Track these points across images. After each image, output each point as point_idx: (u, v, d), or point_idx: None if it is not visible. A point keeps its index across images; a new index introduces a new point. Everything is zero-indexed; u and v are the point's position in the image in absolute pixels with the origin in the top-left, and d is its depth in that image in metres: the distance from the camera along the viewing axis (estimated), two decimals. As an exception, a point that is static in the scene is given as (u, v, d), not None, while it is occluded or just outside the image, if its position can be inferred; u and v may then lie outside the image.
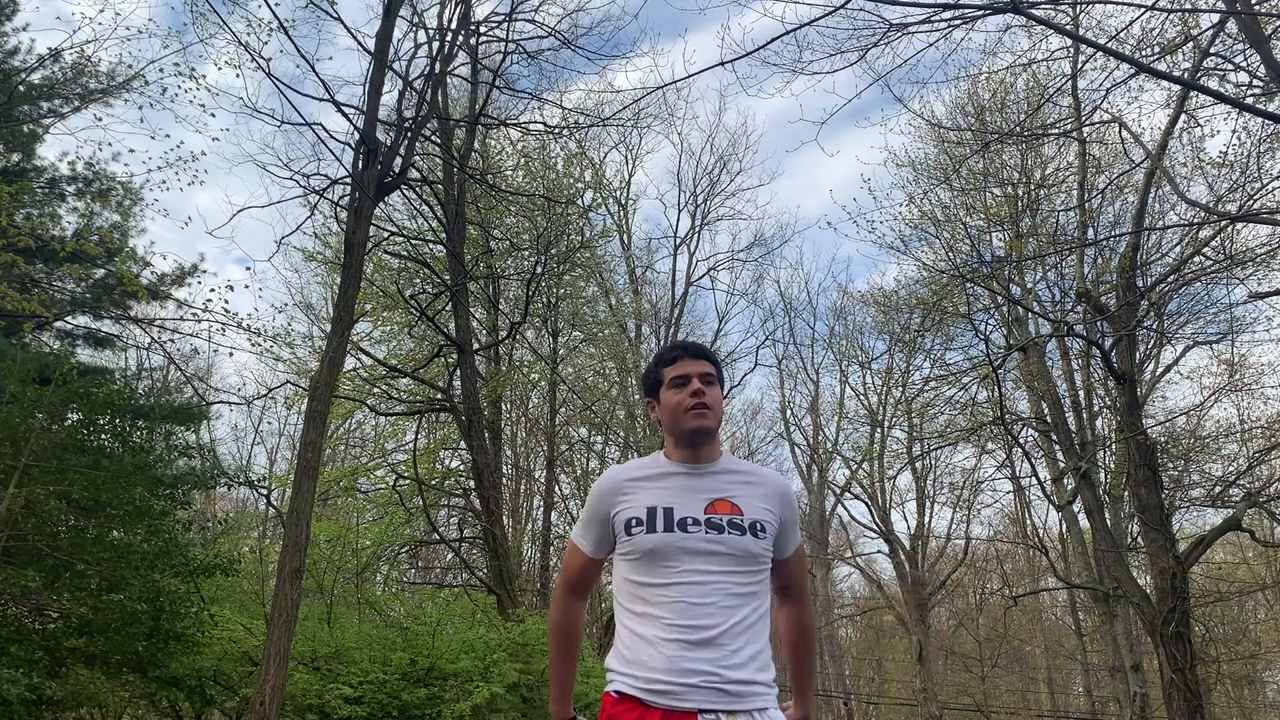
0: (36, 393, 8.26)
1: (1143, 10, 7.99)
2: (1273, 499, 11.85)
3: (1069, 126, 11.36)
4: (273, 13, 8.63)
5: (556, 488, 19.75)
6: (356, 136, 9.46)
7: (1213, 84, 9.20)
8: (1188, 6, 8.26)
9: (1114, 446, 14.45)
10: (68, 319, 12.78)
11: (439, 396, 13.94)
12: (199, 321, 11.11)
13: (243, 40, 9.48)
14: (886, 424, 22.18)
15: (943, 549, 22.71)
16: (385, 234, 13.54)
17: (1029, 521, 22.12)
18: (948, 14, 6.79)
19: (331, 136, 10.23)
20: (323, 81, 10.91)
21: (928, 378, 16.99)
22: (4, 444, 7.85)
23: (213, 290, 20.67)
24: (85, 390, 8.98)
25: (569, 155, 16.73)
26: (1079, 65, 10.43)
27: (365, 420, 17.90)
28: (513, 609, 11.74)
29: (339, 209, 10.97)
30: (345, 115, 9.78)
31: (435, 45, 12.36)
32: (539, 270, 14.96)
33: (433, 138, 13.11)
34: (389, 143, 9.97)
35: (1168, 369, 15.39)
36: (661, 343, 22.51)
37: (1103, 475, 14.47)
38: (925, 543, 22.34)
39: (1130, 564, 13.60)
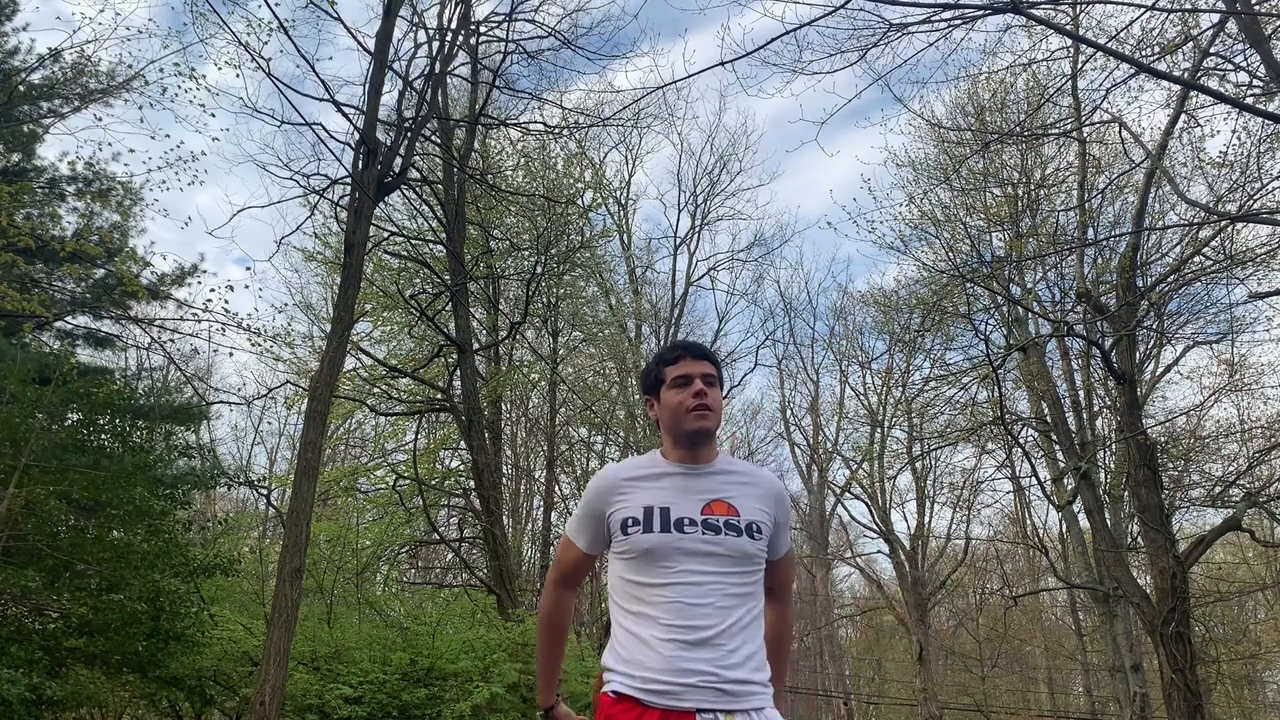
0: (36, 393, 8.27)
1: (1143, 10, 8.00)
2: (1273, 499, 11.85)
3: (1069, 126, 11.36)
4: (273, 13, 8.64)
5: (556, 488, 19.75)
6: (356, 136, 9.47)
7: (1213, 84, 9.20)
8: (1188, 6, 8.26)
9: (1114, 446, 14.45)
10: (68, 319, 12.79)
11: (439, 396, 13.94)
12: (199, 321, 11.11)
13: (243, 40, 9.49)
14: (886, 424, 22.19)
15: (943, 549, 22.71)
16: (385, 234, 13.55)
17: (1029, 521, 22.14)
18: (948, 14, 6.79)
19: (331, 136, 10.24)
20: (323, 81, 10.92)
21: (928, 378, 17.00)
22: (4, 444, 7.85)
23: (213, 290, 20.67)
24: (85, 390, 8.99)
25: (569, 155, 16.73)
26: (1079, 65, 10.43)
27: (365, 420, 17.90)
28: (513, 609, 11.73)
29: (339, 209, 10.97)
30: (345, 115, 9.79)
31: (435, 45, 12.37)
32: (539, 270, 14.96)
33: (433, 138, 13.11)
34: (389, 143, 9.98)
35: (1168, 369, 15.41)
36: (661, 343, 22.51)
37: (1103, 475, 14.47)
38: (925, 543, 22.33)
39: (1130, 564, 13.60)
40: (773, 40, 6.68)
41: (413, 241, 13.97)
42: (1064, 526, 17.20)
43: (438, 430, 16.86)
